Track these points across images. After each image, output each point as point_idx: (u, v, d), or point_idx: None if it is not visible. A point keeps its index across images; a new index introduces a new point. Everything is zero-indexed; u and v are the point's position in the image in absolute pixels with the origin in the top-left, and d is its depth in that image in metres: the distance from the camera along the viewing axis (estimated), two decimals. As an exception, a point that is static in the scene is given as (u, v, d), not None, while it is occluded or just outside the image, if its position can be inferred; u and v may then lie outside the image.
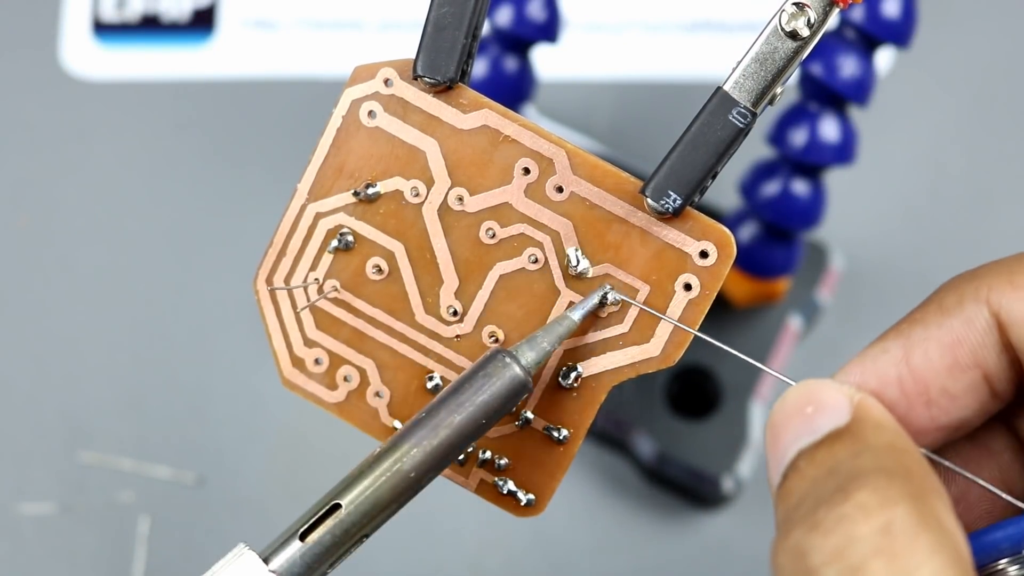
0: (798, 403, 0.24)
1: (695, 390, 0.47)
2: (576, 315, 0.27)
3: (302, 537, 0.26)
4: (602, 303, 0.27)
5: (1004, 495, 0.24)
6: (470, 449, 0.28)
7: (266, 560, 0.26)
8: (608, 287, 0.27)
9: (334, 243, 0.28)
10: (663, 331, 0.27)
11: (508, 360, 0.26)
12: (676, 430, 0.46)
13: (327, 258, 0.29)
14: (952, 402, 0.24)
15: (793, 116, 0.41)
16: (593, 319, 0.27)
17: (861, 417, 0.23)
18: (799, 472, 0.23)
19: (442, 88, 0.28)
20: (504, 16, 0.42)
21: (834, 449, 0.23)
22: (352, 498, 0.26)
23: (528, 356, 0.26)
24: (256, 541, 0.50)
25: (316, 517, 0.26)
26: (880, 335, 0.24)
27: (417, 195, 0.28)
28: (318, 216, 0.29)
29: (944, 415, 0.24)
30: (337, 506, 0.26)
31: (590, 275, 0.27)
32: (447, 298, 0.28)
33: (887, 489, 0.22)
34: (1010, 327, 0.23)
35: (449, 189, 0.28)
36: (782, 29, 0.26)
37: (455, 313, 0.28)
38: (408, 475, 0.26)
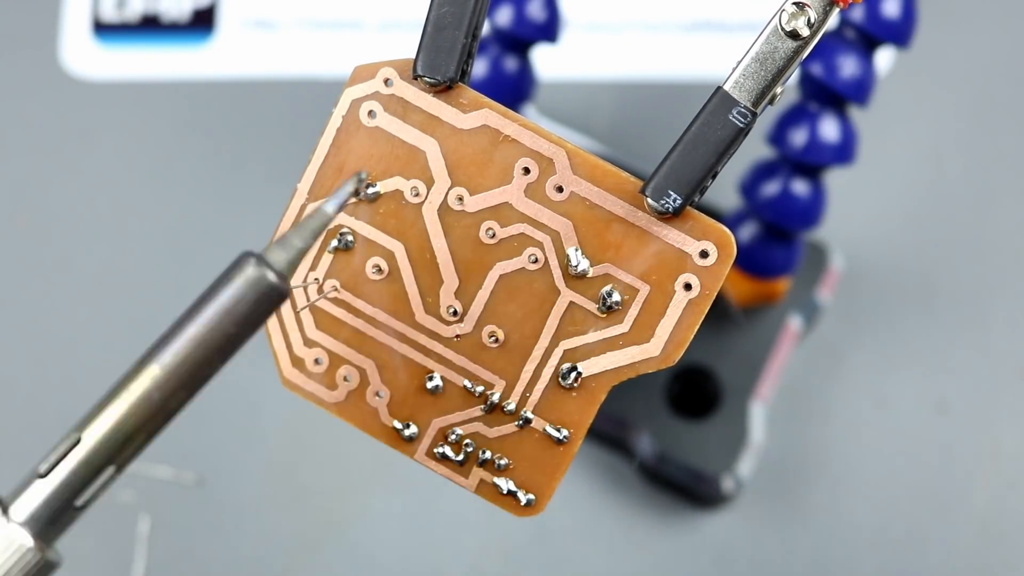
0: None
1: (695, 390, 0.47)
2: (329, 207, 0.25)
3: (43, 476, 0.24)
4: (356, 191, 0.26)
5: None
6: (478, 451, 0.28)
7: (4, 508, 0.24)
8: (363, 174, 0.26)
9: (334, 243, 0.28)
10: (663, 331, 0.27)
11: (254, 261, 0.24)
12: (676, 430, 0.46)
13: (327, 258, 0.29)
14: None
15: (793, 116, 0.41)
16: (593, 318, 0.27)
17: None
18: None
19: (442, 88, 0.28)
20: (504, 16, 0.42)
21: None
22: (94, 430, 0.24)
23: (279, 256, 0.24)
24: (256, 540, 0.50)
25: (57, 455, 0.24)
26: None
27: (417, 195, 0.28)
28: (318, 216, 0.29)
29: None
30: (78, 440, 0.24)
31: (590, 275, 0.27)
32: (447, 298, 0.28)
33: None
34: None
35: (449, 189, 0.28)
36: (782, 29, 0.26)
37: (455, 313, 0.28)
38: (150, 397, 0.24)
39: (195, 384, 0.24)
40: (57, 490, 0.24)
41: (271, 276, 0.24)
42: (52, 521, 0.24)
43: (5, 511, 0.24)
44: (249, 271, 0.24)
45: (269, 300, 0.24)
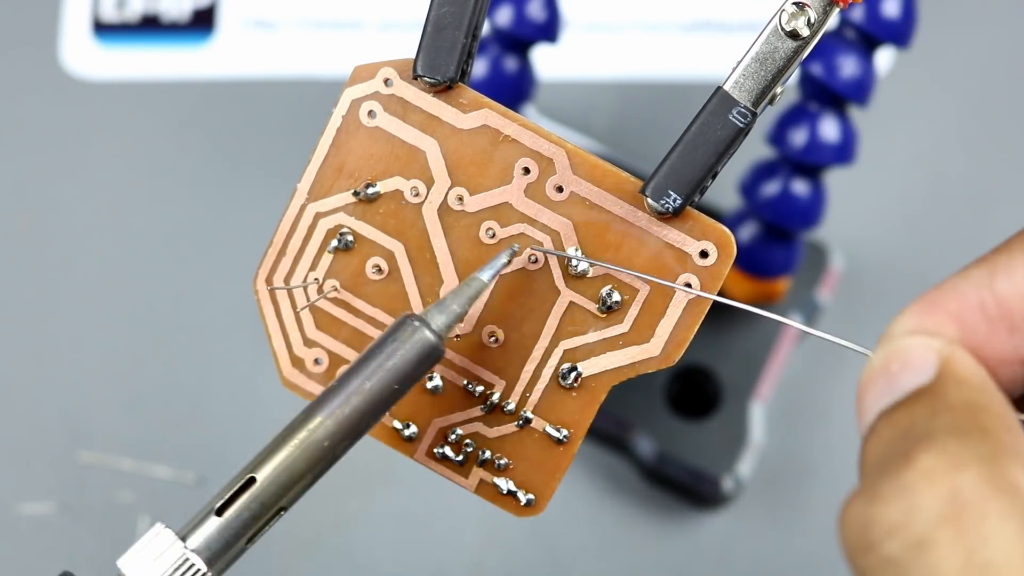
0: (885, 361, 0.23)
1: (695, 390, 0.47)
2: (485, 275, 0.27)
3: (219, 512, 0.25)
4: (509, 261, 0.27)
5: None
6: (477, 451, 0.28)
7: (183, 538, 0.25)
8: (515, 246, 0.27)
9: (334, 243, 0.28)
10: (663, 331, 0.27)
11: (418, 324, 0.26)
12: (676, 430, 0.46)
13: (327, 258, 0.29)
14: None
15: (793, 116, 0.41)
16: (593, 318, 0.27)
17: (946, 374, 0.22)
18: (876, 435, 0.22)
19: (442, 88, 0.28)
20: (504, 16, 0.42)
21: (912, 409, 0.22)
22: (267, 471, 0.25)
23: (438, 320, 0.26)
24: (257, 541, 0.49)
25: (232, 492, 0.25)
26: (965, 265, 0.23)
27: (417, 195, 0.28)
28: (318, 216, 0.29)
29: None
30: (252, 480, 0.25)
31: (590, 275, 0.27)
32: (447, 298, 0.28)
33: (956, 451, 0.20)
34: None
35: (449, 189, 0.28)
36: (782, 29, 0.26)
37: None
38: (322, 444, 0.26)
39: (359, 434, 0.26)
40: (232, 525, 0.25)
41: (434, 339, 0.26)
42: (223, 553, 0.25)
43: (184, 540, 0.25)
44: (419, 336, 0.26)
45: (430, 360, 0.26)
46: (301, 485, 0.26)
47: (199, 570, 0.25)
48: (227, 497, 0.25)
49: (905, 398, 0.22)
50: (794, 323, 0.26)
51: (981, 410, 0.21)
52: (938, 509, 0.20)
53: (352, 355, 0.29)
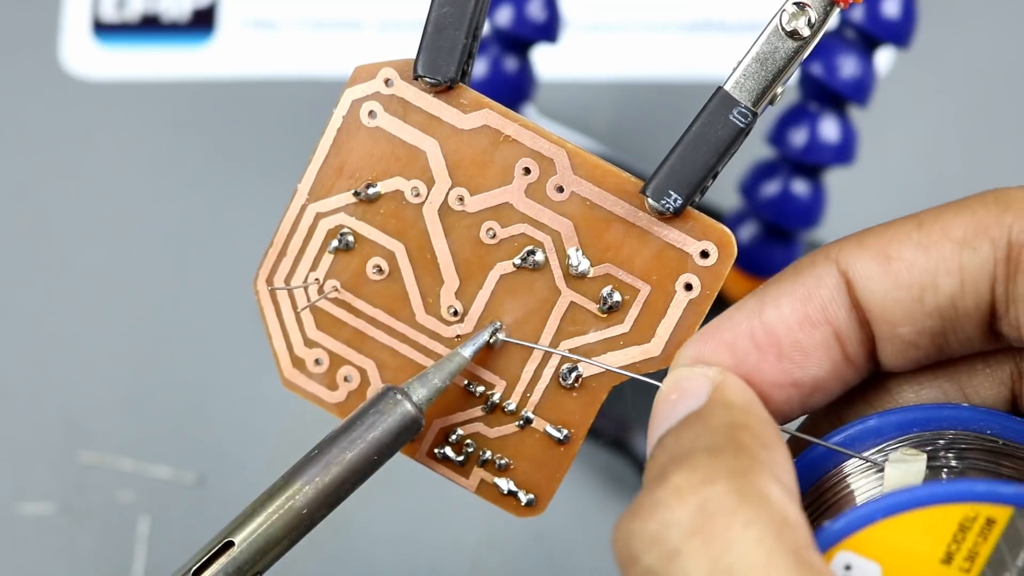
0: (667, 391, 0.25)
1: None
2: (467, 352, 0.27)
3: (196, 575, 0.26)
4: (490, 339, 0.28)
5: (840, 449, 0.25)
6: (478, 451, 0.28)
7: None
8: (498, 324, 0.28)
9: (334, 243, 0.28)
10: (664, 331, 0.27)
11: (400, 397, 0.27)
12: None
13: (327, 258, 0.29)
14: (805, 357, 0.24)
15: (793, 116, 0.41)
16: (594, 318, 0.27)
17: (715, 399, 0.24)
18: (652, 459, 0.24)
19: (442, 88, 0.28)
20: (504, 16, 0.42)
21: (681, 433, 0.23)
22: (245, 535, 0.26)
23: (420, 392, 0.27)
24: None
25: (209, 555, 0.26)
26: (742, 299, 0.25)
27: (417, 195, 0.28)
28: (318, 216, 0.29)
29: (797, 369, 0.25)
30: (230, 543, 0.26)
31: (591, 275, 0.27)
32: (447, 298, 0.28)
33: (708, 467, 0.22)
34: (856, 284, 0.24)
35: (449, 189, 0.28)
36: (782, 29, 0.26)
37: (455, 313, 0.28)
38: (300, 512, 0.26)
39: (337, 502, 0.27)
40: None
41: (415, 412, 0.27)
42: None
43: None
44: (401, 409, 0.27)
45: (410, 432, 0.27)
46: (277, 550, 0.26)
47: None
48: (204, 560, 0.26)
49: (677, 424, 0.24)
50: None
51: (740, 428, 0.23)
52: (688, 521, 0.22)
53: (352, 355, 0.29)
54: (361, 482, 0.26)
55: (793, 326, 0.24)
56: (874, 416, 0.25)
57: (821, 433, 0.26)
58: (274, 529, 0.26)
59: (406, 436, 0.27)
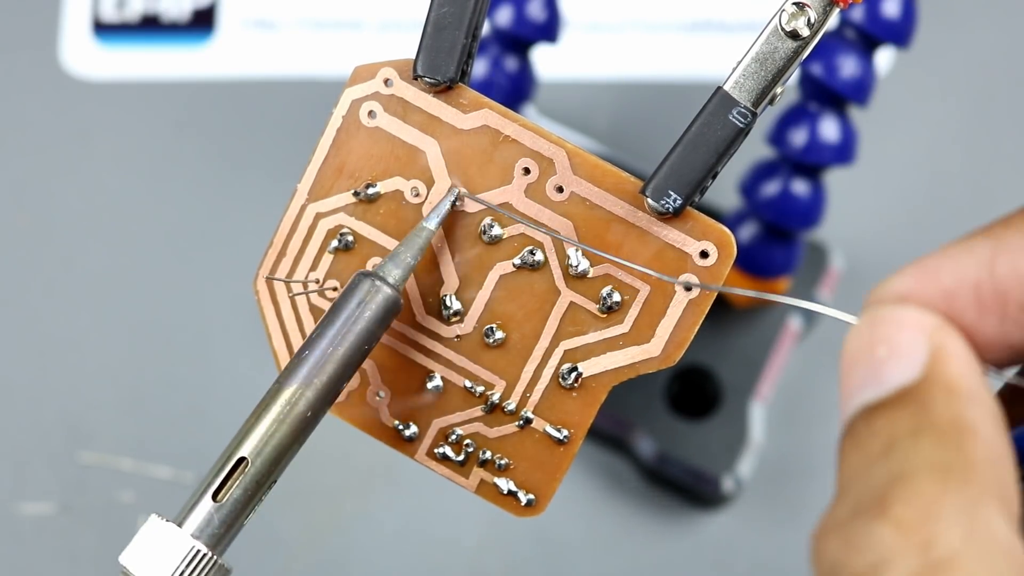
0: (870, 340, 0.21)
1: (695, 390, 0.47)
2: (431, 223, 0.27)
3: (215, 497, 0.26)
4: (454, 204, 0.27)
5: None
6: (478, 451, 0.28)
7: (180, 525, 0.26)
8: (457, 189, 0.27)
9: (334, 243, 0.28)
10: (663, 331, 0.27)
11: (377, 283, 0.26)
12: (676, 430, 0.46)
13: (327, 258, 0.29)
14: None
15: (793, 116, 0.41)
16: (593, 319, 0.27)
17: (934, 375, 0.20)
18: (855, 439, 0.20)
19: (442, 88, 0.28)
20: (504, 16, 0.42)
21: (895, 417, 0.20)
22: (255, 448, 0.26)
23: (395, 274, 0.27)
24: (256, 540, 0.50)
25: (225, 474, 0.26)
26: (970, 233, 0.22)
27: (417, 195, 0.28)
28: (318, 216, 0.29)
29: (1019, 332, 0.21)
30: (243, 460, 0.26)
31: (590, 275, 0.27)
32: (448, 298, 0.28)
33: (934, 497, 0.19)
34: None
35: (449, 189, 0.28)
36: (782, 29, 0.26)
37: (455, 313, 0.28)
38: (304, 415, 0.26)
39: (335, 398, 0.26)
40: (230, 508, 0.26)
41: (394, 293, 0.26)
42: (224, 535, 0.26)
43: (181, 527, 0.26)
44: (382, 294, 0.26)
45: (393, 314, 0.27)
46: (289, 457, 0.26)
47: (206, 555, 0.25)
48: (221, 480, 0.26)
49: (888, 398, 0.20)
50: (798, 303, 0.24)
51: (968, 435, 0.20)
52: (908, 565, 0.19)
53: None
54: (354, 372, 0.26)
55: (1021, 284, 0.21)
56: None
57: None
58: (281, 437, 0.26)
59: (389, 319, 0.26)
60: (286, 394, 0.26)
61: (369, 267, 0.28)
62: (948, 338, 0.21)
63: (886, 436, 0.20)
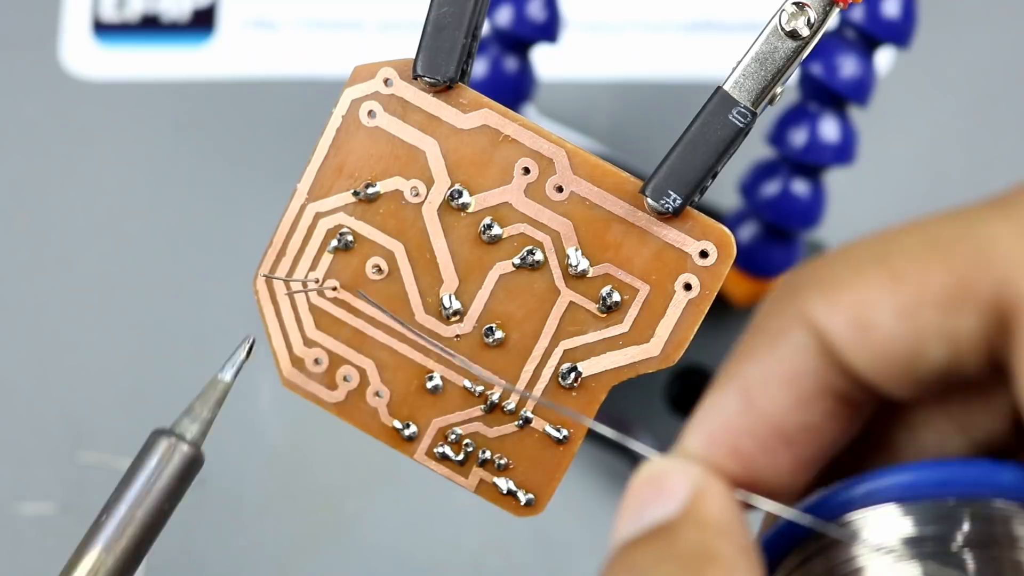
0: (642, 483, 0.22)
1: (695, 390, 0.47)
2: (227, 375, 0.27)
3: None
4: (248, 355, 0.28)
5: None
6: (477, 451, 0.28)
7: None
8: (252, 337, 0.28)
9: (334, 243, 0.28)
10: (663, 331, 0.27)
11: (174, 440, 0.26)
12: (676, 430, 0.46)
13: (327, 258, 0.29)
14: (814, 434, 0.21)
15: (793, 116, 0.41)
16: (593, 318, 0.27)
17: (690, 512, 0.21)
18: (610, 570, 0.21)
19: (442, 88, 0.28)
20: (504, 16, 0.42)
21: (644, 551, 0.21)
22: None
23: (192, 429, 0.27)
24: (256, 540, 0.50)
25: None
26: (720, 378, 0.22)
27: (417, 195, 0.28)
28: (318, 216, 0.29)
29: (811, 448, 0.21)
30: None
31: (590, 275, 0.27)
32: (447, 298, 0.28)
33: None
34: (836, 350, 0.20)
35: (449, 189, 0.28)
36: (782, 29, 0.26)
37: (455, 313, 0.28)
38: None
39: (139, 559, 0.26)
40: None
41: (192, 451, 0.26)
42: None
43: None
44: (179, 452, 0.26)
45: (194, 471, 0.26)
46: None
47: None
48: None
49: (644, 534, 0.21)
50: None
51: (709, 561, 0.20)
52: None
53: (352, 354, 0.29)
54: (158, 533, 0.26)
55: (792, 410, 0.21)
56: (875, 477, 0.21)
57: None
58: None
59: (191, 475, 0.26)
60: (87, 562, 0.26)
61: (369, 268, 0.28)
62: (710, 483, 0.21)
63: (634, 566, 0.21)
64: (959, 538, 0.20)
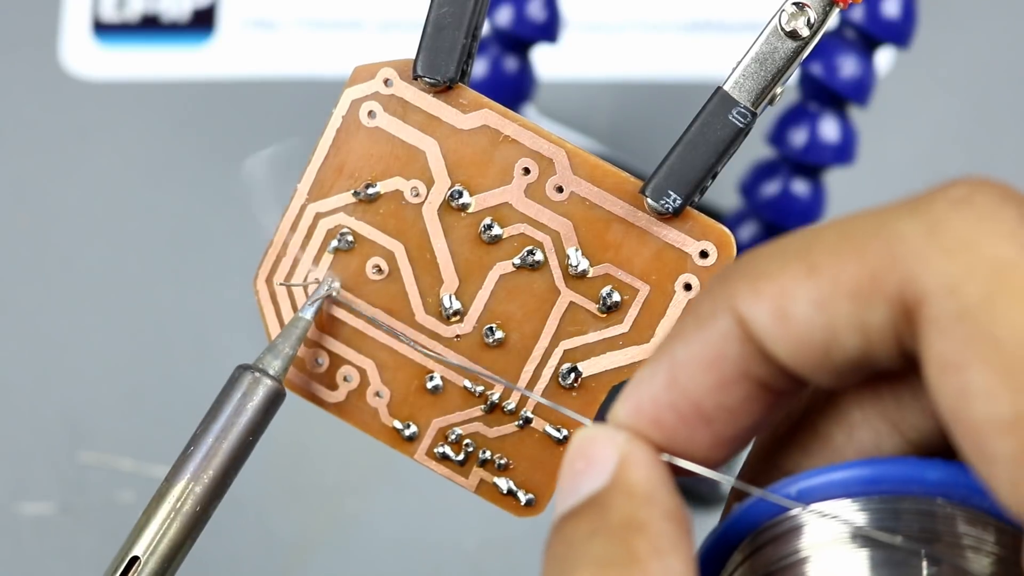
0: (573, 455, 0.22)
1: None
2: (307, 313, 0.28)
3: None
4: (328, 295, 0.28)
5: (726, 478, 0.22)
6: (478, 451, 0.28)
7: None
8: (334, 281, 0.28)
9: (334, 243, 0.28)
10: (663, 331, 0.27)
11: (258, 375, 0.27)
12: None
13: (327, 258, 0.29)
14: (733, 415, 0.22)
15: (793, 116, 0.41)
16: (593, 318, 0.27)
17: (618, 481, 0.22)
18: (549, 546, 0.22)
19: (442, 88, 0.28)
20: (504, 16, 0.42)
21: (578, 523, 0.21)
22: (147, 547, 0.26)
23: (275, 365, 0.27)
24: (256, 540, 0.50)
25: (120, 573, 0.26)
26: (653, 354, 0.23)
27: (417, 195, 0.28)
28: (318, 216, 0.29)
29: (729, 428, 0.22)
30: (135, 559, 0.26)
31: (590, 275, 0.27)
32: (447, 298, 0.28)
33: None
34: (759, 338, 0.21)
35: (449, 189, 0.28)
36: (782, 29, 0.26)
37: (455, 313, 0.28)
38: (194, 512, 0.26)
39: (224, 491, 0.27)
40: None
41: (277, 385, 0.27)
42: None
43: None
44: (263, 387, 0.27)
45: (276, 405, 0.27)
46: (182, 553, 0.26)
47: None
48: None
49: (579, 506, 0.22)
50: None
51: (636, 531, 0.21)
52: None
53: (352, 355, 0.29)
54: (242, 465, 0.27)
55: (713, 390, 0.22)
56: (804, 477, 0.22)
57: (778, 462, 0.23)
58: (173, 534, 0.26)
59: (274, 410, 0.27)
60: (175, 491, 0.26)
61: (369, 268, 0.28)
62: (635, 449, 0.22)
63: (568, 539, 0.22)
64: (903, 532, 0.20)
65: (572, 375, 0.27)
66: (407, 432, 0.28)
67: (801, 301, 0.21)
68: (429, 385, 0.28)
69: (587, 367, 0.27)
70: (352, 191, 0.28)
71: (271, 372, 0.27)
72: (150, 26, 0.54)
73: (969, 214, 0.20)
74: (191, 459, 0.27)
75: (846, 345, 0.21)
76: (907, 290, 0.20)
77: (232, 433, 0.27)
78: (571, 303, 0.27)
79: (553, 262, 0.27)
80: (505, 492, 0.28)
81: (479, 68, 0.43)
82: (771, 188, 0.43)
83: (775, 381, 0.22)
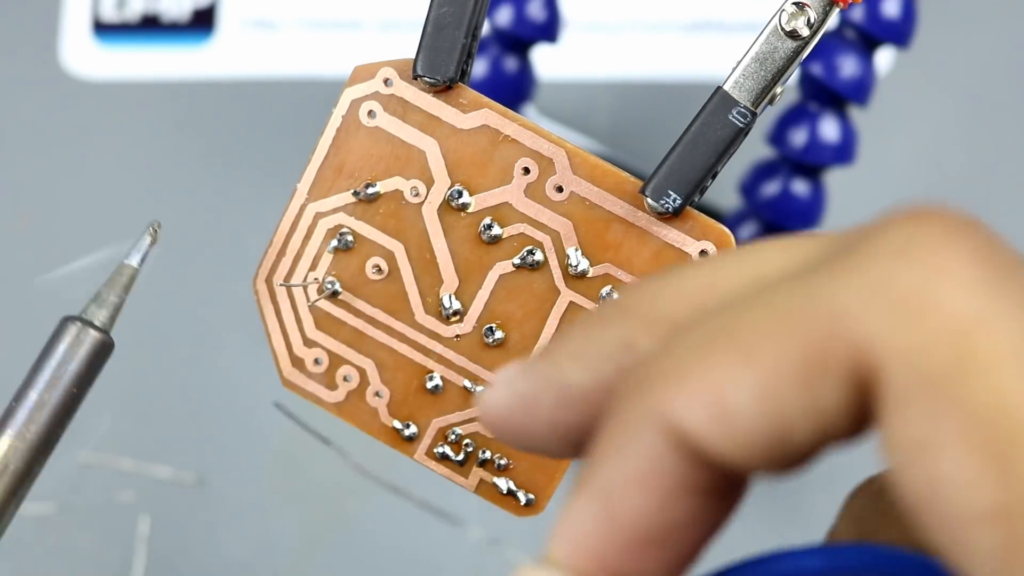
0: None
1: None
2: (134, 260, 0.27)
3: None
4: (152, 240, 0.28)
5: None
6: (478, 451, 0.28)
7: None
8: (156, 224, 0.28)
9: (334, 243, 0.28)
10: (663, 331, 0.27)
11: (82, 325, 0.26)
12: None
13: (327, 258, 0.29)
14: (684, 530, 0.20)
15: (793, 116, 0.41)
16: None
17: None
18: None
19: (442, 88, 0.28)
20: (504, 16, 0.42)
21: None
22: None
23: (100, 315, 0.27)
24: (256, 540, 0.50)
25: None
26: (578, 482, 0.20)
27: (417, 195, 0.28)
28: (318, 216, 0.29)
29: (685, 542, 0.20)
30: None
31: (590, 275, 0.27)
32: (447, 298, 0.28)
33: None
34: (697, 442, 0.19)
35: (449, 189, 0.28)
36: (782, 29, 0.26)
37: (455, 313, 0.28)
38: (19, 471, 0.26)
39: (52, 447, 0.26)
40: None
41: (103, 336, 0.26)
42: None
43: None
44: (89, 337, 0.26)
45: (103, 356, 0.26)
46: (10, 511, 0.26)
47: None
48: None
49: None
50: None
51: None
52: None
53: (352, 354, 0.29)
54: (70, 419, 0.26)
55: (657, 511, 0.19)
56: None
57: None
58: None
59: (101, 361, 0.26)
60: (0, 448, 0.25)
61: (369, 268, 0.28)
62: None
63: None
64: None
65: (572, 375, 0.27)
66: (407, 432, 0.28)
67: (741, 393, 0.18)
68: (429, 385, 0.28)
69: (587, 367, 0.27)
70: (352, 191, 0.28)
71: (96, 323, 0.26)
72: (150, 26, 0.54)
73: (916, 267, 0.17)
74: (15, 415, 0.26)
75: (801, 431, 0.18)
76: (860, 361, 0.17)
77: (58, 386, 0.26)
78: (571, 303, 0.27)
79: (553, 262, 0.27)
80: (505, 492, 0.28)
81: (479, 68, 0.43)
82: (771, 188, 0.43)
83: (724, 482, 0.20)
